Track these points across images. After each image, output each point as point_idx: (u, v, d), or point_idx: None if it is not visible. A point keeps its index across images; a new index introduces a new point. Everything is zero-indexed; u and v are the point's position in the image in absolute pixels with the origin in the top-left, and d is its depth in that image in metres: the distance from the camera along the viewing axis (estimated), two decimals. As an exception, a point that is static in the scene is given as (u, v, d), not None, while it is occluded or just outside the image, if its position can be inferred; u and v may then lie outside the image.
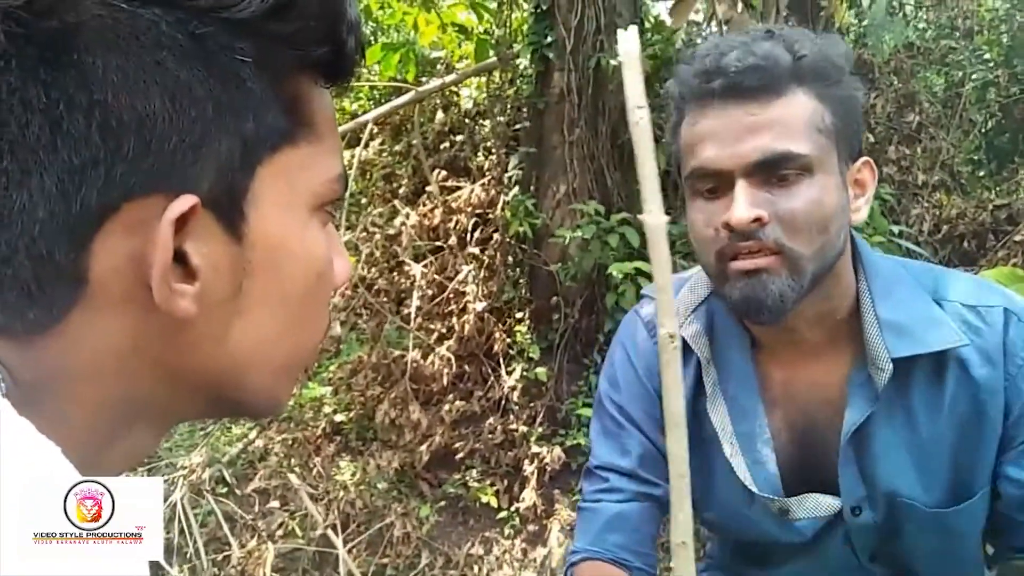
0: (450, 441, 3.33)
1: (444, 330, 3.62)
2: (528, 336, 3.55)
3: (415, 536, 3.07)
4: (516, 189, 3.58)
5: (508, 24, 3.93)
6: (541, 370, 3.38)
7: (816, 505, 0.99)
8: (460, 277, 3.63)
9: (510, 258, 3.69)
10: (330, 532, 2.94)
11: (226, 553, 2.95)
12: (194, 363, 0.45)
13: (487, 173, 3.99)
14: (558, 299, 3.45)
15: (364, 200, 4.38)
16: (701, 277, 1.06)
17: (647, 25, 3.68)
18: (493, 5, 3.73)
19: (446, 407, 3.37)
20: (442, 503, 3.24)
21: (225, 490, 3.25)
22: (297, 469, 3.32)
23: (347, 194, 3.83)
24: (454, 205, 3.82)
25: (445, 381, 3.41)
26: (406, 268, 3.71)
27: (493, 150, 4.07)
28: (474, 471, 3.30)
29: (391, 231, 3.85)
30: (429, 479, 3.35)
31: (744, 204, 0.85)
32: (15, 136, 0.38)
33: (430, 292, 3.64)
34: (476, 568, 3.03)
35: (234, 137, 0.42)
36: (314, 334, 0.51)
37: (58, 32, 0.38)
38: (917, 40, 5.01)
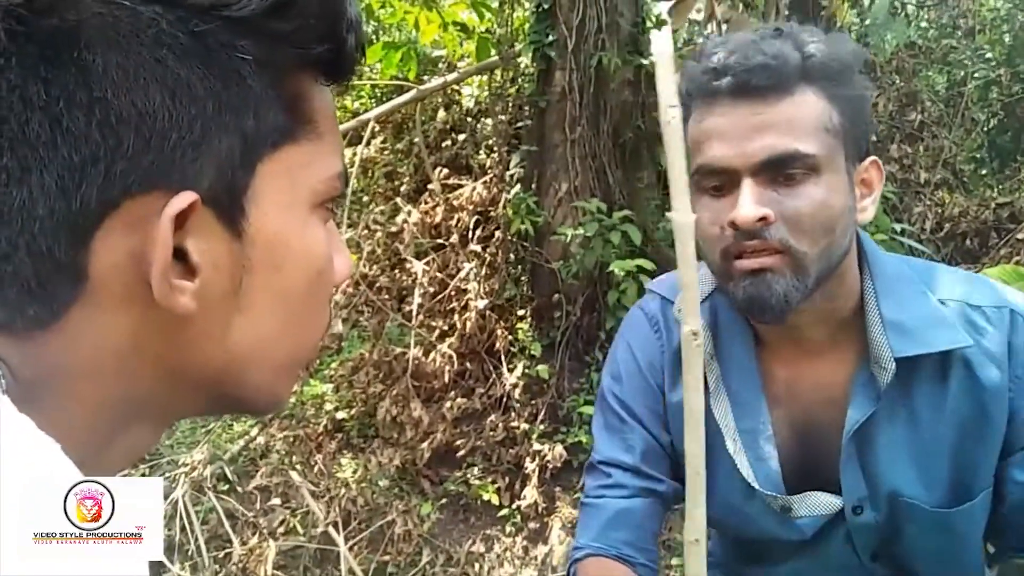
0: (451, 438, 3.33)
1: (446, 327, 3.62)
2: (530, 334, 3.55)
3: (416, 533, 3.07)
4: (518, 187, 3.58)
5: (509, 23, 3.92)
6: (542, 368, 3.38)
7: (817, 503, 0.99)
8: (462, 275, 3.63)
9: (512, 256, 3.69)
10: (331, 529, 2.95)
11: (227, 550, 2.95)
12: (194, 360, 0.45)
13: (489, 171, 3.99)
14: (560, 297, 3.45)
15: (366, 198, 4.39)
16: (705, 273, 1.06)
17: (648, 24, 3.68)
18: (494, 4, 3.73)
19: (447, 404, 3.37)
20: (443, 500, 3.24)
21: (227, 487, 3.25)
22: (299, 466, 3.32)
23: (349, 192, 3.84)
24: (456, 203, 3.82)
25: (446, 378, 3.41)
26: (408, 266, 3.71)
27: (495, 148, 4.07)
28: (475, 468, 3.30)
29: (393, 229, 3.85)
30: (430, 476, 3.35)
31: (750, 203, 0.85)
32: (15, 133, 0.38)
33: (432, 290, 3.64)
34: (477, 566, 3.03)
35: (234, 135, 0.42)
36: (315, 331, 0.51)
37: (58, 30, 0.38)
38: (919, 39, 5.01)
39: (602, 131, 3.44)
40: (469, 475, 3.29)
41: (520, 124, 3.96)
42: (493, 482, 3.27)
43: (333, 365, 3.81)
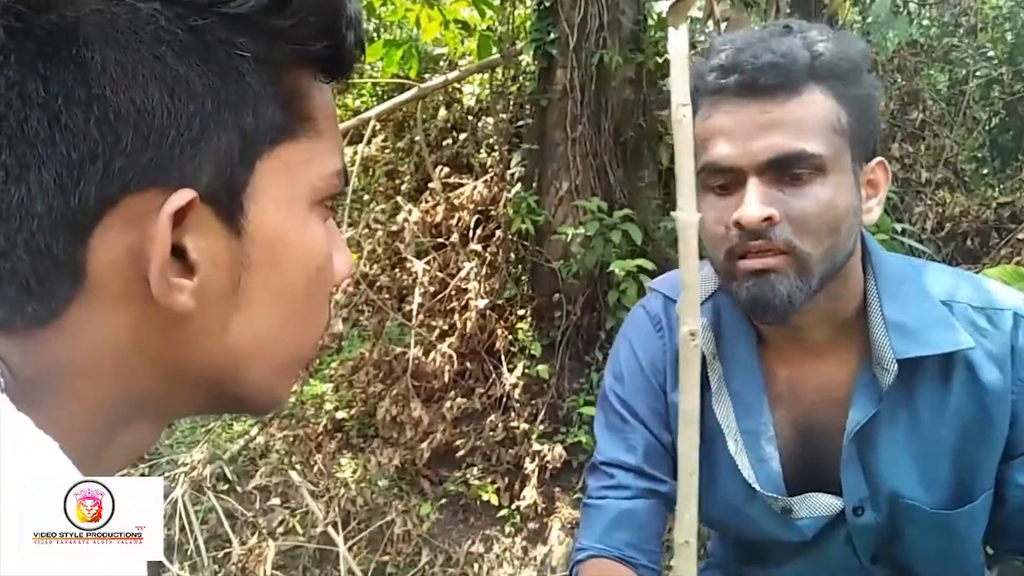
0: (451, 438, 3.33)
1: (446, 327, 3.62)
2: (530, 333, 3.55)
3: (415, 534, 3.07)
4: (518, 186, 3.58)
5: (511, 21, 3.93)
6: (542, 367, 3.38)
7: (818, 505, 0.99)
8: (462, 274, 3.63)
9: (512, 255, 3.69)
10: (331, 529, 2.94)
11: (227, 550, 2.95)
12: (193, 358, 0.45)
13: (489, 170, 3.99)
14: (560, 296, 3.45)
15: (366, 197, 4.39)
16: (708, 272, 1.06)
17: (650, 22, 3.68)
18: (496, 1, 3.72)
19: (447, 404, 3.37)
20: (443, 501, 3.24)
21: (226, 487, 3.25)
22: (298, 466, 3.32)
23: (349, 190, 3.84)
24: (456, 202, 3.82)
25: (446, 378, 3.41)
26: (408, 265, 3.71)
27: (496, 147, 4.07)
28: (475, 469, 3.30)
29: (393, 228, 3.85)
30: (430, 476, 3.35)
31: (755, 203, 0.85)
32: (14, 130, 0.38)
33: (432, 289, 3.64)
34: (476, 566, 3.03)
35: (233, 132, 0.42)
36: (314, 329, 0.51)
37: (57, 27, 0.38)
38: (921, 37, 5.01)
39: (603, 130, 3.44)
40: (469, 475, 3.29)
41: (521, 122, 3.96)
42: (493, 482, 3.26)
43: (333, 364, 3.81)
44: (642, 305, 1.15)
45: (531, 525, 3.13)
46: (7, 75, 0.37)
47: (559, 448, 3.21)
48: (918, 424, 0.95)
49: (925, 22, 5.17)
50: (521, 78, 4.02)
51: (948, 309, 0.94)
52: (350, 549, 2.92)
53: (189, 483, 3.07)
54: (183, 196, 0.40)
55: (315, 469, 3.31)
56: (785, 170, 0.85)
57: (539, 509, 3.13)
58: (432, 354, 3.45)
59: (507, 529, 3.14)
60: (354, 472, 3.30)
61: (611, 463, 1.10)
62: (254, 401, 0.50)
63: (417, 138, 4.15)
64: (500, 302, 3.60)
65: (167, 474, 3.15)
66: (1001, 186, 4.59)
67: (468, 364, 3.54)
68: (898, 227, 2.97)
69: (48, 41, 0.38)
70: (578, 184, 3.43)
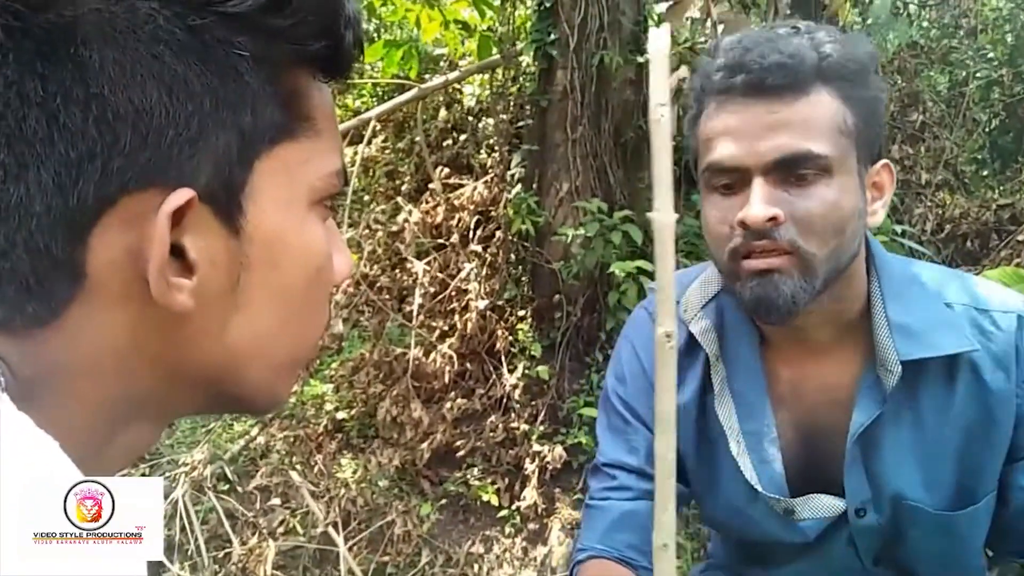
0: (451, 439, 3.33)
1: (446, 328, 3.62)
2: (530, 334, 3.55)
3: (416, 534, 3.06)
4: (519, 187, 3.58)
5: (511, 21, 3.92)
6: (543, 368, 3.38)
7: (820, 506, 0.99)
8: (462, 275, 3.63)
9: (512, 256, 3.69)
10: (331, 530, 2.94)
11: (227, 550, 2.95)
12: (193, 358, 0.45)
13: (490, 171, 3.98)
14: (560, 297, 3.44)
15: (367, 197, 4.38)
16: (713, 273, 1.06)
17: (650, 23, 3.67)
18: (496, 2, 3.72)
19: (447, 405, 3.36)
20: (443, 501, 3.24)
21: (227, 487, 3.25)
22: (298, 466, 3.31)
23: (350, 191, 3.83)
24: (457, 202, 3.82)
25: (447, 379, 3.41)
26: (408, 265, 3.71)
27: (496, 147, 4.06)
28: (475, 469, 3.30)
29: (393, 228, 3.85)
30: (430, 477, 3.35)
31: (760, 203, 0.84)
32: (12, 130, 0.38)
33: (432, 289, 3.64)
34: (476, 566, 3.03)
35: (231, 131, 0.42)
36: (313, 329, 0.51)
37: (55, 26, 0.38)
38: (921, 39, 5.01)
39: (603, 130, 3.44)
40: (469, 476, 3.28)
41: (521, 123, 3.95)
42: (493, 483, 3.26)
43: (333, 365, 3.80)
44: (644, 306, 1.15)
45: (531, 526, 3.12)
46: (5, 74, 0.37)
47: (559, 449, 3.20)
48: (922, 426, 0.95)
49: (925, 24, 5.17)
50: (521, 79, 4.02)
51: (952, 311, 0.94)
52: (350, 549, 2.92)
53: (189, 483, 3.07)
54: (181, 195, 0.40)
55: (315, 469, 3.31)
56: (791, 170, 0.85)
57: (539, 510, 3.13)
58: (432, 355, 3.45)
59: (507, 530, 3.13)
60: (354, 472, 3.29)
61: (613, 464, 1.10)
62: (254, 401, 0.50)
63: (417, 139, 4.15)
64: (500, 303, 3.60)
65: (167, 474, 3.15)
66: (1001, 188, 4.59)
67: (468, 365, 3.54)
68: (898, 229, 2.97)
69: (46, 40, 0.38)
70: (578, 185, 3.43)
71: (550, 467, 3.19)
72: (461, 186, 3.92)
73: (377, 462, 3.26)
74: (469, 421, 3.44)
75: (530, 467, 3.20)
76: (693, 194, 3.60)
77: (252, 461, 3.41)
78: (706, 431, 1.05)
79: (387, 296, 3.67)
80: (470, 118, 4.44)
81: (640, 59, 3.44)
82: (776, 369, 1.01)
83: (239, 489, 3.26)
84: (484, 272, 3.64)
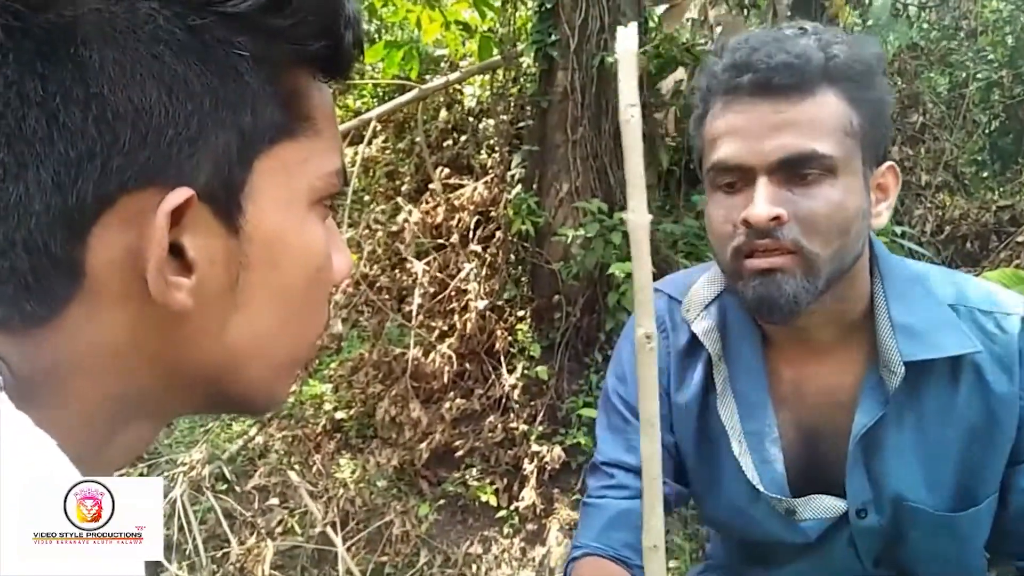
0: (450, 439, 3.32)
1: (445, 328, 3.62)
2: (529, 334, 3.55)
3: (414, 534, 3.06)
4: (519, 187, 3.58)
5: (512, 22, 3.92)
6: (542, 369, 3.37)
7: (821, 506, 0.99)
8: (462, 275, 3.63)
9: (512, 256, 3.68)
10: (329, 530, 2.94)
11: (225, 550, 2.94)
12: (191, 357, 0.45)
13: (490, 171, 3.98)
14: (560, 297, 3.44)
15: (367, 197, 4.38)
16: (716, 273, 1.06)
17: (651, 24, 3.67)
18: (497, 3, 3.72)
19: (446, 405, 3.36)
20: (441, 501, 3.24)
21: (225, 487, 3.25)
22: (297, 466, 3.31)
23: (350, 191, 3.83)
24: (457, 203, 3.82)
25: (446, 379, 3.41)
26: (408, 265, 3.71)
27: (496, 148, 4.06)
28: (474, 470, 3.30)
29: (393, 228, 3.84)
30: (429, 477, 3.35)
31: (764, 202, 0.85)
32: (12, 129, 0.38)
33: (432, 290, 3.64)
34: (474, 567, 3.03)
35: (231, 131, 0.42)
36: (312, 329, 0.51)
37: (55, 26, 0.38)
38: (921, 40, 5.01)
39: (604, 131, 3.43)
40: (467, 476, 3.28)
41: (522, 124, 3.95)
42: (491, 483, 3.26)
43: (332, 365, 3.80)
44: None
45: (529, 526, 3.12)
46: (5, 74, 0.37)
47: (558, 449, 3.20)
48: (924, 427, 0.95)
49: (925, 25, 5.17)
50: (522, 80, 4.01)
51: (955, 312, 0.94)
52: (348, 549, 2.92)
53: (188, 483, 3.07)
54: (180, 194, 0.40)
55: (314, 469, 3.31)
56: (795, 170, 0.85)
57: (538, 510, 3.12)
58: (431, 355, 3.45)
59: (505, 530, 3.13)
60: (353, 472, 3.29)
61: (611, 463, 1.10)
62: (252, 401, 0.50)
63: (418, 139, 4.15)
64: (500, 303, 3.60)
65: (166, 474, 3.14)
66: (1001, 189, 4.59)
67: (467, 365, 3.54)
68: (898, 230, 2.97)
69: (46, 40, 0.38)
70: (578, 186, 3.43)
71: (549, 467, 3.19)
72: (461, 186, 3.92)
73: (376, 462, 3.26)
74: (468, 421, 3.44)
75: (529, 467, 3.20)
76: (693, 195, 3.61)
77: (250, 461, 3.41)
78: (707, 430, 1.05)
79: (386, 296, 3.67)
80: (471, 119, 4.43)
81: (640, 60, 3.43)
82: (778, 369, 1.01)
83: (237, 489, 3.25)
84: (484, 272, 3.64)
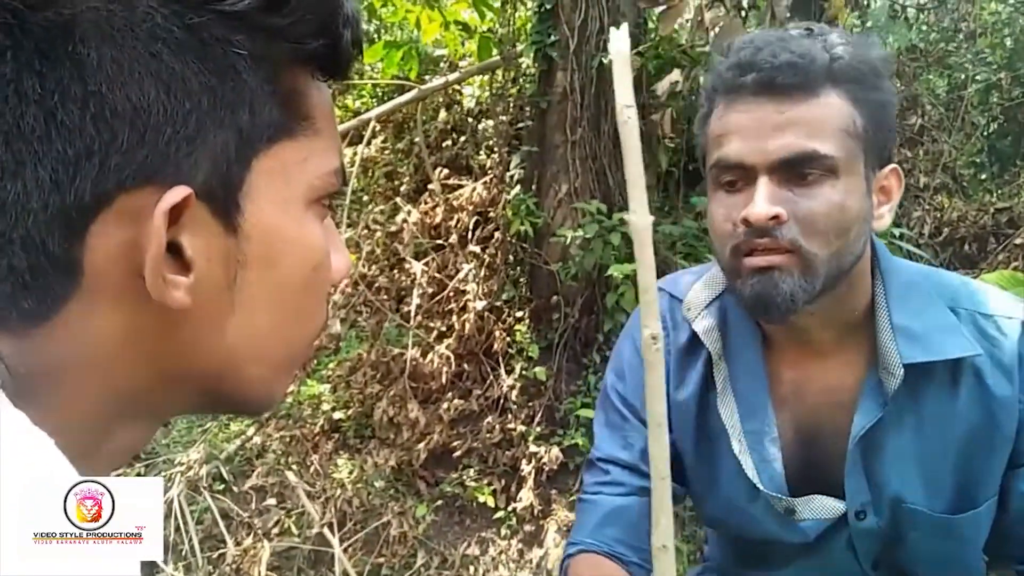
0: (448, 440, 3.32)
1: (444, 328, 3.62)
2: (527, 335, 3.55)
3: (411, 535, 3.06)
4: (518, 188, 3.58)
5: (511, 23, 3.92)
6: (540, 369, 3.38)
7: (820, 507, 0.99)
8: (460, 275, 3.63)
9: (511, 257, 3.69)
10: (326, 530, 2.94)
11: (221, 551, 2.94)
12: (189, 356, 0.45)
13: (489, 172, 3.98)
14: (558, 298, 3.44)
15: (366, 197, 4.38)
16: (717, 273, 1.06)
17: (650, 25, 3.68)
18: (496, 3, 3.72)
19: (444, 406, 3.36)
20: (439, 502, 3.24)
21: (222, 487, 3.24)
22: (294, 467, 3.31)
23: (349, 191, 3.83)
24: (455, 203, 3.82)
25: (444, 379, 3.41)
26: (407, 266, 3.71)
27: (495, 149, 4.06)
28: (471, 470, 3.30)
29: (392, 228, 3.85)
30: (426, 477, 3.35)
31: (764, 200, 0.85)
32: (10, 127, 0.38)
33: (430, 290, 3.64)
34: (472, 568, 3.03)
35: (229, 129, 0.42)
36: (310, 328, 0.51)
37: (53, 24, 0.38)
38: (920, 42, 5.01)
39: (603, 132, 3.44)
40: (465, 477, 3.28)
41: (521, 125, 3.95)
42: (489, 484, 3.26)
43: (331, 365, 3.80)
44: None
45: (527, 527, 3.12)
46: (3, 72, 0.37)
47: (556, 450, 3.20)
48: (923, 429, 0.95)
49: (924, 27, 5.17)
50: (521, 80, 4.01)
51: (956, 315, 0.94)
52: (345, 551, 2.91)
53: (185, 483, 3.07)
54: (178, 193, 0.40)
55: (311, 470, 3.31)
56: (796, 170, 0.85)
57: (535, 511, 3.13)
58: (430, 355, 3.45)
59: (503, 531, 3.13)
60: (350, 473, 3.29)
61: (607, 459, 1.11)
62: (250, 400, 0.50)
63: (417, 139, 4.15)
64: (498, 304, 3.60)
65: (163, 473, 3.14)
66: (999, 191, 4.59)
67: (466, 365, 3.54)
68: (896, 231, 2.98)
69: (44, 38, 0.38)
70: (577, 186, 3.43)
71: (546, 468, 3.19)
72: (460, 187, 3.92)
73: (373, 463, 3.26)
74: (466, 422, 3.44)
75: (527, 468, 3.20)
76: (692, 196, 3.61)
77: (248, 461, 3.41)
78: (707, 429, 1.05)
79: (385, 296, 3.67)
80: (470, 119, 4.44)
81: (639, 61, 3.44)
82: (778, 370, 1.01)
83: (235, 489, 3.25)
84: (482, 273, 3.64)
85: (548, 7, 3.43)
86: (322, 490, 3.16)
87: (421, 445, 3.27)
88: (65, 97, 0.38)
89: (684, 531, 2.84)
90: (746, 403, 1.01)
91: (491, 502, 3.20)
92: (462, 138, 4.34)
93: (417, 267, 3.60)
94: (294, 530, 3.04)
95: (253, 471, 3.25)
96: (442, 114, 4.43)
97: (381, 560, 3.00)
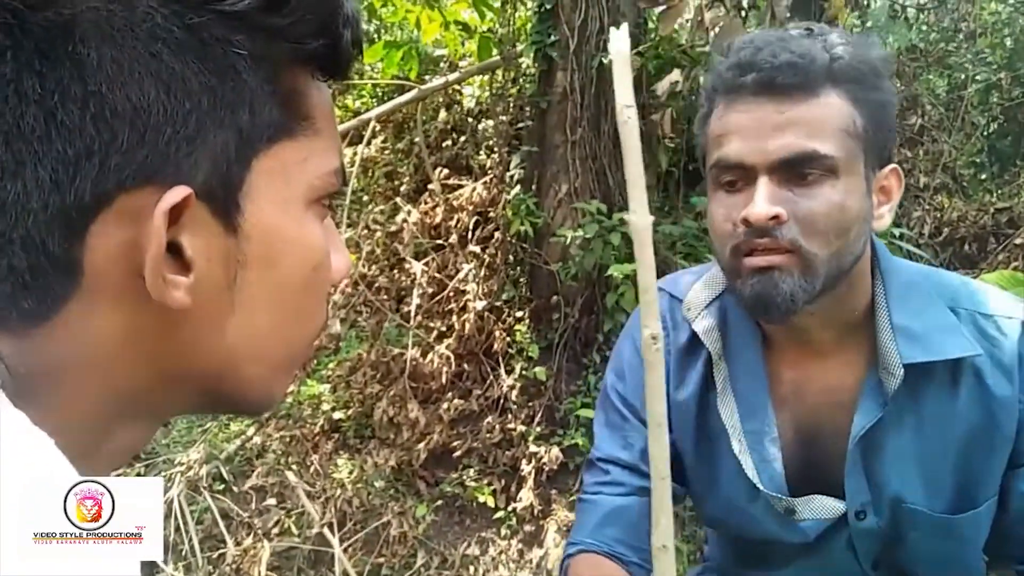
0: (448, 440, 3.32)
1: (444, 328, 3.62)
2: (527, 335, 3.55)
3: (411, 535, 3.06)
4: (518, 188, 3.58)
5: (511, 23, 3.92)
6: (540, 369, 3.38)
7: (820, 507, 0.99)
8: (460, 275, 3.63)
9: (511, 257, 3.68)
10: (326, 530, 2.94)
11: (221, 551, 2.94)
12: (189, 355, 0.45)
13: (489, 172, 3.98)
14: (558, 298, 3.44)
15: (366, 197, 4.38)
16: (717, 273, 1.06)
17: (650, 25, 3.68)
18: (496, 3, 3.72)
19: (444, 406, 3.36)
20: (439, 502, 3.24)
21: (222, 487, 3.24)
22: (294, 467, 3.31)
23: (349, 191, 3.83)
24: (455, 203, 3.82)
25: (444, 379, 3.41)
26: (407, 266, 3.71)
27: (495, 149, 4.06)
28: (471, 470, 3.30)
29: (392, 228, 3.84)
30: (426, 478, 3.34)
31: (763, 201, 0.85)
32: (10, 127, 0.38)
33: (430, 290, 3.64)
34: (472, 568, 3.03)
35: (229, 129, 0.42)
36: (310, 328, 0.51)
37: (53, 24, 0.38)
38: (920, 42, 5.01)
39: (603, 132, 3.44)
40: (465, 477, 3.28)
41: (521, 125, 3.95)
42: (489, 484, 3.26)
43: (331, 365, 3.80)
44: None
45: (527, 527, 3.12)
46: (3, 72, 0.37)
47: (556, 450, 3.20)
48: (923, 429, 0.95)
49: (924, 27, 5.17)
50: (521, 80, 4.01)
51: (956, 315, 0.94)
52: (345, 551, 2.91)
53: (185, 483, 3.07)
54: (178, 193, 0.40)
55: (311, 470, 3.30)
56: (796, 170, 0.85)
57: (535, 511, 3.12)
58: (430, 355, 3.45)
59: (503, 531, 3.13)
60: (350, 473, 3.29)
61: (607, 459, 1.11)
62: (250, 400, 0.50)
63: (417, 139, 4.14)
64: (498, 304, 3.60)
65: (163, 473, 3.14)
66: (999, 191, 4.59)
67: (466, 365, 3.54)
68: (896, 231, 2.98)
69: (44, 38, 0.38)
70: (577, 186, 3.43)
71: (546, 468, 3.19)
72: (460, 187, 3.92)
73: (373, 463, 3.26)
74: (466, 422, 3.44)
75: (527, 468, 3.20)
76: (691, 196, 3.61)
77: (248, 461, 3.41)
78: (706, 428, 1.05)
79: (385, 296, 3.67)
80: (470, 119, 4.44)
81: (640, 61, 3.44)
82: (778, 370, 1.01)
83: (235, 489, 3.25)
84: (482, 273, 3.64)
85: (548, 7, 3.43)
86: (322, 490, 3.16)
87: (421, 445, 3.27)
88: (65, 97, 0.38)
89: (684, 531, 2.84)
90: (746, 403, 1.01)
91: (491, 502, 3.20)
92: (462, 138, 4.34)
93: (417, 267, 3.60)
94: (294, 530, 3.04)
95: (253, 471, 3.25)
96: (442, 114, 4.43)
97: (381, 560, 3.00)
